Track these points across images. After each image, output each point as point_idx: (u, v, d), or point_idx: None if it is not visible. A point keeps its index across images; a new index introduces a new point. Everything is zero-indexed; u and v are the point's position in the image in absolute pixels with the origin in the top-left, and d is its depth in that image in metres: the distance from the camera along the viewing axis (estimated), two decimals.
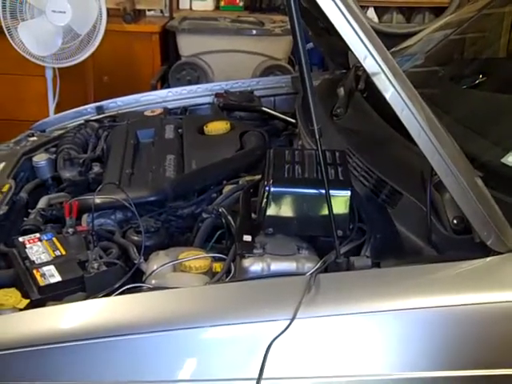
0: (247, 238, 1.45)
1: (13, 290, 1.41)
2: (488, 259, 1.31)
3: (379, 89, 1.27)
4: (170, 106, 2.48)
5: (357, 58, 1.27)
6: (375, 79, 1.26)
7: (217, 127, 2.18)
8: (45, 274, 1.44)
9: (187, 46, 3.98)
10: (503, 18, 2.55)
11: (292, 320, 1.22)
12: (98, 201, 1.67)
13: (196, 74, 3.92)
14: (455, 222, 1.37)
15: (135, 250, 1.56)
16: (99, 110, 2.45)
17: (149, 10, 4.36)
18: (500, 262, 1.30)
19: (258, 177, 1.73)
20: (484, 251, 1.31)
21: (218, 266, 1.48)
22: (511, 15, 2.56)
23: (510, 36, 2.53)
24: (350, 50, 1.27)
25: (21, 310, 1.36)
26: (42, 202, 1.79)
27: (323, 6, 1.24)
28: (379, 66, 1.25)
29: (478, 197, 1.28)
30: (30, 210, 1.76)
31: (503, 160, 1.51)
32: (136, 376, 1.26)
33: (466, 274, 1.31)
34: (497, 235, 1.29)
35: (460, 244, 1.36)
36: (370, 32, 1.27)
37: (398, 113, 1.27)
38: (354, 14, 1.24)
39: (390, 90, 1.26)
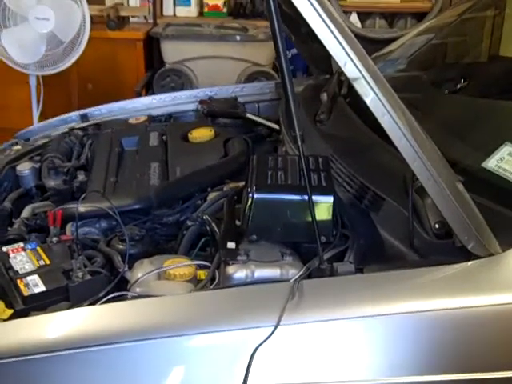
0: (231, 245, 1.46)
1: None
2: (469, 263, 1.31)
3: (360, 94, 1.28)
4: (154, 113, 2.47)
5: (338, 64, 1.28)
6: (356, 84, 1.27)
7: (201, 134, 2.18)
8: (29, 284, 1.43)
9: (171, 52, 3.99)
10: (484, 23, 2.58)
11: (276, 326, 1.22)
12: (82, 209, 1.67)
13: (180, 80, 3.92)
14: (437, 226, 1.37)
15: (120, 258, 1.56)
16: (83, 117, 2.44)
17: (132, 17, 4.37)
18: (480, 266, 1.31)
19: (242, 184, 1.73)
20: (465, 255, 1.32)
21: (202, 274, 1.48)
22: (492, 19, 2.58)
23: (491, 40, 2.55)
24: (331, 56, 1.28)
25: (4, 320, 1.35)
26: (26, 212, 1.79)
27: (303, 12, 1.24)
28: (359, 71, 1.26)
29: (459, 201, 1.29)
30: (13, 220, 1.76)
31: (484, 164, 1.53)
32: None
33: (448, 279, 1.32)
34: (477, 239, 1.30)
35: (442, 248, 1.37)
36: (350, 37, 1.27)
37: (379, 118, 1.27)
38: (334, 20, 1.25)
39: (371, 95, 1.26)
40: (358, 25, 4.11)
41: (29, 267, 1.49)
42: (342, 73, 2.10)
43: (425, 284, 1.33)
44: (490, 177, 1.50)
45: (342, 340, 1.28)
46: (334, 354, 1.28)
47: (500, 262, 1.31)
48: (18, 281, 1.44)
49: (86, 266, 1.49)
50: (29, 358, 1.23)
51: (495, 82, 2.19)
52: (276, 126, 2.24)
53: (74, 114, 2.45)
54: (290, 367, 1.26)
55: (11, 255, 1.53)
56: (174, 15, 4.38)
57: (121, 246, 1.61)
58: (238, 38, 3.96)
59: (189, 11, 4.36)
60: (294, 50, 3.35)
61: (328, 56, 1.33)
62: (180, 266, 1.48)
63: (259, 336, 1.22)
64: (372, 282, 1.36)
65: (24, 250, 1.55)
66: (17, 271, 1.48)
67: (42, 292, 1.42)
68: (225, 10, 4.39)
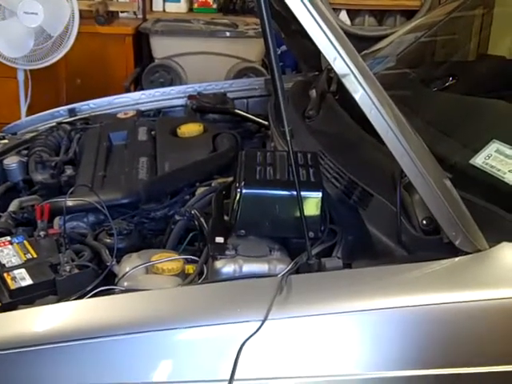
0: (219, 239, 1.45)
1: None
2: (456, 259, 1.32)
3: (349, 90, 1.28)
4: (143, 108, 2.47)
5: (327, 60, 1.28)
6: (345, 81, 1.27)
7: (190, 129, 2.18)
8: (16, 278, 1.43)
9: (160, 48, 3.98)
10: (473, 21, 2.59)
11: (264, 321, 1.22)
12: (69, 203, 1.67)
13: (169, 76, 3.92)
14: (424, 222, 1.38)
15: (107, 252, 1.55)
16: (72, 112, 2.44)
17: (122, 12, 4.36)
18: (468, 262, 1.32)
19: (231, 179, 1.73)
20: (452, 251, 1.32)
21: (190, 268, 1.48)
22: (480, 18, 2.60)
23: (480, 39, 2.57)
24: (321, 52, 1.29)
25: None
26: (13, 205, 1.78)
27: (293, 8, 1.25)
28: (348, 67, 1.26)
29: (447, 198, 1.30)
30: (0, 213, 1.75)
31: (471, 161, 1.53)
32: (109, 379, 1.25)
33: (435, 274, 1.33)
34: (464, 235, 1.30)
35: (429, 244, 1.38)
36: (339, 34, 1.27)
37: (368, 114, 1.28)
38: (324, 16, 1.25)
39: (360, 91, 1.27)
40: (348, 22, 4.11)
41: (16, 261, 1.49)
42: (331, 69, 2.10)
43: (412, 279, 1.33)
44: (478, 173, 1.51)
45: (329, 335, 1.28)
46: (321, 349, 1.28)
47: (487, 258, 1.32)
48: (5, 274, 1.44)
49: (73, 260, 1.49)
50: (16, 351, 1.22)
51: (483, 80, 2.20)
52: (265, 122, 2.25)
53: (62, 109, 2.45)
54: (278, 361, 1.26)
55: None
56: (164, 11, 4.37)
57: (108, 240, 1.61)
58: (227, 34, 3.96)
59: (178, 7, 4.35)
60: (284, 47, 3.35)
61: (317, 52, 1.33)
62: (168, 261, 1.47)
63: (247, 330, 1.22)
64: (360, 277, 1.36)
65: (11, 243, 1.54)
66: (3, 265, 1.47)
67: (29, 285, 1.42)
68: (215, 6, 4.39)
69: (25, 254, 1.51)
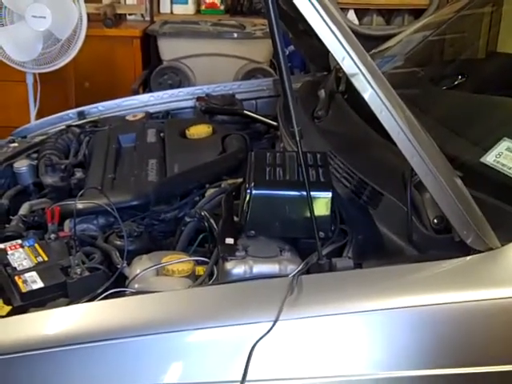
0: (229, 240, 1.45)
1: None
2: (468, 258, 1.31)
3: (358, 90, 1.28)
4: (151, 110, 2.48)
5: (336, 60, 1.28)
6: (354, 80, 1.27)
7: (199, 131, 2.18)
8: (27, 281, 1.43)
9: (168, 50, 3.98)
10: (481, 19, 2.58)
11: (275, 322, 1.22)
12: (80, 206, 1.67)
13: (178, 78, 3.92)
14: (435, 221, 1.37)
15: (118, 254, 1.56)
16: (81, 115, 2.45)
17: (129, 15, 4.36)
18: (480, 261, 1.31)
19: (240, 180, 1.73)
20: (464, 250, 1.32)
21: (200, 270, 1.48)
22: (489, 16, 2.59)
23: (489, 37, 2.56)
24: (329, 52, 1.28)
25: (3, 316, 1.35)
26: (23, 209, 1.78)
27: (301, 8, 1.24)
28: (357, 66, 1.26)
29: (458, 196, 1.29)
30: (11, 217, 1.75)
31: (482, 160, 1.53)
32: (120, 381, 1.26)
33: (447, 273, 1.32)
34: (476, 234, 1.29)
35: (441, 243, 1.37)
36: (347, 33, 1.27)
37: (377, 113, 1.27)
38: (332, 16, 1.25)
39: (369, 90, 1.26)
40: (356, 22, 4.11)
41: (27, 264, 1.49)
42: (339, 69, 2.10)
43: (424, 279, 1.33)
44: (489, 172, 1.50)
45: (340, 335, 1.28)
46: (332, 349, 1.28)
47: (499, 257, 1.31)
48: (16, 277, 1.44)
49: (84, 263, 1.49)
50: (27, 354, 1.22)
51: (493, 78, 2.19)
52: (274, 123, 2.24)
53: (71, 112, 2.46)
54: (289, 362, 1.26)
55: (9, 252, 1.53)
56: (171, 13, 4.37)
57: (119, 243, 1.61)
58: (235, 35, 3.96)
59: (186, 9, 4.36)
60: (292, 47, 3.35)
61: (326, 52, 1.33)
62: (178, 262, 1.48)
63: (258, 331, 1.22)
64: (371, 276, 1.36)
65: (22, 246, 1.55)
66: (15, 268, 1.48)
67: (40, 288, 1.42)
68: (222, 7, 4.39)
69: (36, 256, 1.51)
